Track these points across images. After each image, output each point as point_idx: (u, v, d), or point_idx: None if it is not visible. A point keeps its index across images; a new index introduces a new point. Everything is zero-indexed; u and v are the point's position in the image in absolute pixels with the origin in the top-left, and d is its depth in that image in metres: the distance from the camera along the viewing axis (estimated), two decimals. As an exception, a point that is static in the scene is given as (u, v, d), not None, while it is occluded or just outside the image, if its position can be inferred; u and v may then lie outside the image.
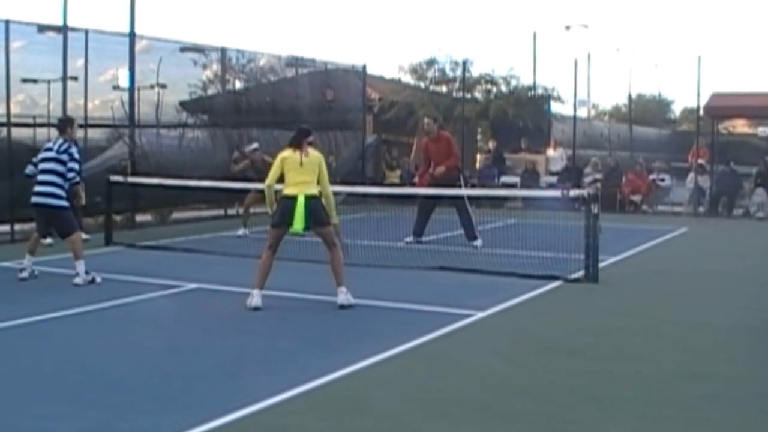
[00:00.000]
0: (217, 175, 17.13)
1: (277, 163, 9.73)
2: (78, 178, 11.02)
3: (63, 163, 10.87)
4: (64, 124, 11.51)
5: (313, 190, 9.51)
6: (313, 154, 9.69)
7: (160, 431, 5.54)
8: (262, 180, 14.73)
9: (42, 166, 11.00)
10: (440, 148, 14.81)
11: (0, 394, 6.41)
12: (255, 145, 16.67)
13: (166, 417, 5.85)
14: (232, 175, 16.05)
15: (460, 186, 14.79)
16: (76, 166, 10.99)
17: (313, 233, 9.71)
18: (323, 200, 9.64)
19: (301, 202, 9.35)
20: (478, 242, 14.41)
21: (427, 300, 9.90)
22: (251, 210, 15.92)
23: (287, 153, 9.67)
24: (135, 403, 6.18)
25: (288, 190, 9.52)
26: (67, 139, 11.11)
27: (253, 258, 10.47)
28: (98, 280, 10.79)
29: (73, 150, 11.04)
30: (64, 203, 10.90)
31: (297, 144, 9.67)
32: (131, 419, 5.80)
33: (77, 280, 10.66)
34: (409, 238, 14.79)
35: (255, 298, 9.37)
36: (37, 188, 10.95)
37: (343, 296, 9.47)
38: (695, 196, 22.25)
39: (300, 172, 9.51)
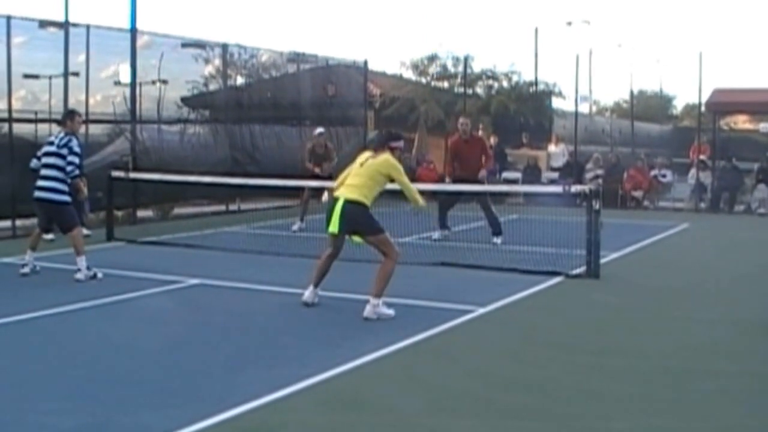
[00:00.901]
0: (218, 170, 17.15)
1: (355, 162, 9.37)
2: (77, 172, 10.96)
3: (63, 157, 10.84)
4: (65, 116, 11.50)
5: (356, 196, 8.96)
6: (383, 157, 9.15)
7: (161, 426, 5.54)
8: (319, 165, 15.40)
9: (44, 160, 11.00)
10: (473, 149, 14.88)
11: (2, 389, 6.42)
12: (320, 129, 16.80)
13: (167, 412, 5.86)
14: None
15: (482, 182, 14.95)
16: (75, 159, 10.91)
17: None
18: (405, 191, 9.38)
19: (339, 204, 8.99)
20: (499, 239, 14.41)
21: (429, 295, 9.91)
22: (309, 204, 15.94)
23: (366, 153, 9.38)
24: (136, 398, 6.19)
25: (336, 191, 9.24)
26: (68, 133, 11.07)
27: (254, 254, 10.47)
28: (99, 275, 10.79)
29: (73, 143, 10.97)
30: (66, 198, 10.89)
31: (379, 147, 9.34)
32: (132, 414, 5.81)
33: (79, 276, 10.66)
34: (437, 234, 14.88)
35: (306, 294, 9.31)
36: (39, 183, 10.94)
37: (371, 309, 8.83)
38: (697, 192, 22.24)
39: (355, 173, 9.13)
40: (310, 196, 15.80)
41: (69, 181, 10.90)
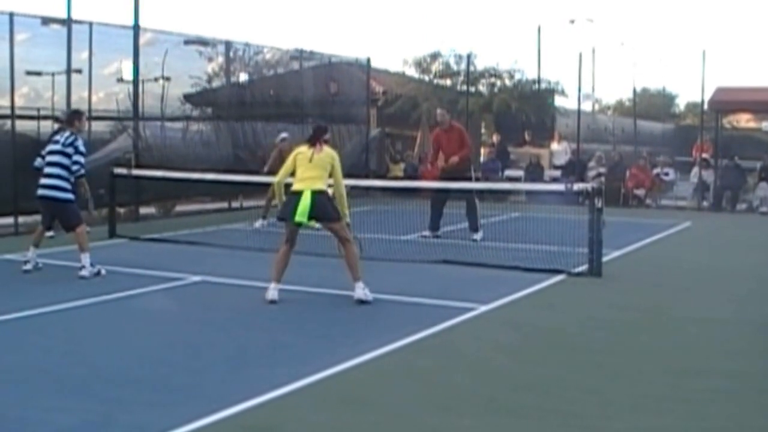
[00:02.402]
0: (220, 167, 17.15)
1: (290, 158, 9.78)
2: (83, 171, 11.00)
3: (68, 156, 10.86)
4: (72, 116, 11.50)
5: (321, 186, 9.50)
6: (326, 151, 9.69)
7: (163, 424, 5.54)
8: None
9: (48, 158, 11.02)
10: (452, 139, 14.84)
11: (5, 387, 6.43)
12: (284, 134, 16.71)
13: (168, 409, 5.86)
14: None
15: (470, 178, 14.85)
16: (81, 159, 10.95)
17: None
18: (335, 197, 9.68)
19: (306, 196, 9.36)
20: (479, 235, 14.44)
21: (430, 293, 9.91)
22: (273, 202, 15.89)
23: (302, 149, 9.73)
24: (138, 395, 6.20)
25: (295, 186, 9.55)
26: (74, 132, 11.10)
27: (257, 251, 10.51)
28: (103, 272, 10.80)
29: (79, 143, 11.00)
30: (70, 196, 10.91)
31: (313, 141, 9.71)
32: (134, 412, 5.82)
33: (83, 273, 10.67)
34: (426, 233, 14.85)
35: (271, 291, 9.39)
36: (43, 181, 10.95)
37: (361, 291, 9.40)
38: (699, 191, 22.24)
39: (308, 168, 9.53)
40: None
41: (73, 180, 10.92)
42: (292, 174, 9.69)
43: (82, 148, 11.02)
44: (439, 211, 14.94)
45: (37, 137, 15.53)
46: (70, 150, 10.87)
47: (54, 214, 11.10)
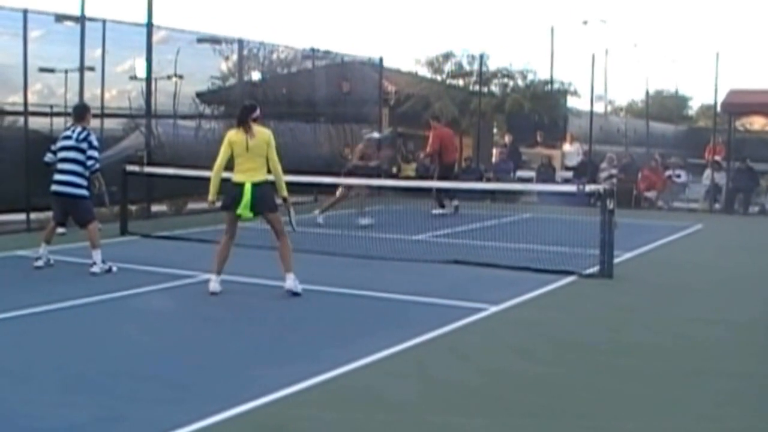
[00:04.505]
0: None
1: (224, 145, 9.64)
2: (98, 166, 11.03)
3: (83, 151, 10.87)
4: (83, 111, 11.48)
5: (261, 177, 9.54)
6: (260, 133, 9.60)
7: (173, 421, 5.54)
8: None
9: (61, 154, 11.00)
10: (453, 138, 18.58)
11: (15, 382, 6.45)
12: (375, 134, 17.17)
13: (178, 407, 5.87)
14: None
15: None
16: (95, 153, 10.98)
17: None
18: (274, 180, 9.69)
19: (247, 189, 9.42)
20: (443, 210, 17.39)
21: (441, 293, 9.90)
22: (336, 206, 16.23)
23: (234, 135, 9.58)
24: (148, 392, 6.21)
25: (236, 177, 9.56)
26: (86, 127, 11.11)
27: (268, 249, 10.49)
28: (114, 269, 10.83)
29: (92, 137, 11.03)
30: (84, 192, 10.94)
31: (242, 123, 9.59)
32: (144, 408, 5.83)
33: (94, 269, 10.70)
34: (437, 211, 17.53)
35: (213, 283, 9.52)
36: (57, 176, 10.96)
37: (291, 282, 9.50)
38: (711, 193, 22.16)
39: (247, 158, 9.50)
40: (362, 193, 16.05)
41: (88, 174, 10.93)
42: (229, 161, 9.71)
43: (95, 143, 11.04)
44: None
45: (50, 134, 15.56)
46: (84, 145, 10.88)
47: (68, 210, 11.11)
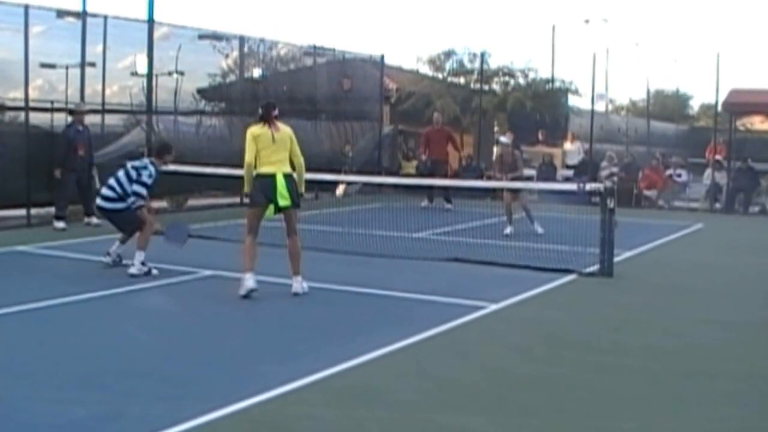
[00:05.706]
0: (233, 162, 17.13)
1: (249, 140, 9.50)
2: (141, 203, 10.89)
3: (130, 178, 10.79)
4: (163, 149, 11.44)
5: (288, 169, 9.50)
6: (283, 128, 9.62)
7: (172, 418, 5.54)
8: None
9: (118, 172, 10.97)
10: (440, 136, 20.00)
11: (15, 378, 6.44)
12: (504, 138, 16.98)
13: (179, 403, 5.87)
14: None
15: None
16: (142, 190, 10.85)
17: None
18: (295, 176, 9.62)
19: (280, 179, 9.35)
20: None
21: (441, 291, 9.90)
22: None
23: (257, 129, 9.52)
24: (147, 389, 6.21)
25: (264, 169, 9.42)
26: (153, 162, 11.04)
27: (269, 246, 10.47)
28: (155, 272, 10.61)
29: (146, 173, 10.86)
30: (121, 205, 10.82)
31: (266, 118, 9.56)
32: (144, 405, 5.83)
33: (132, 270, 10.51)
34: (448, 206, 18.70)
35: (249, 281, 9.37)
36: (103, 191, 10.99)
37: (299, 285, 9.48)
38: (712, 193, 22.16)
39: (273, 150, 9.44)
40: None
41: (129, 202, 10.81)
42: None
43: (146, 179, 10.87)
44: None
45: (51, 130, 15.58)
46: (133, 174, 10.80)
47: (112, 222, 11.06)
